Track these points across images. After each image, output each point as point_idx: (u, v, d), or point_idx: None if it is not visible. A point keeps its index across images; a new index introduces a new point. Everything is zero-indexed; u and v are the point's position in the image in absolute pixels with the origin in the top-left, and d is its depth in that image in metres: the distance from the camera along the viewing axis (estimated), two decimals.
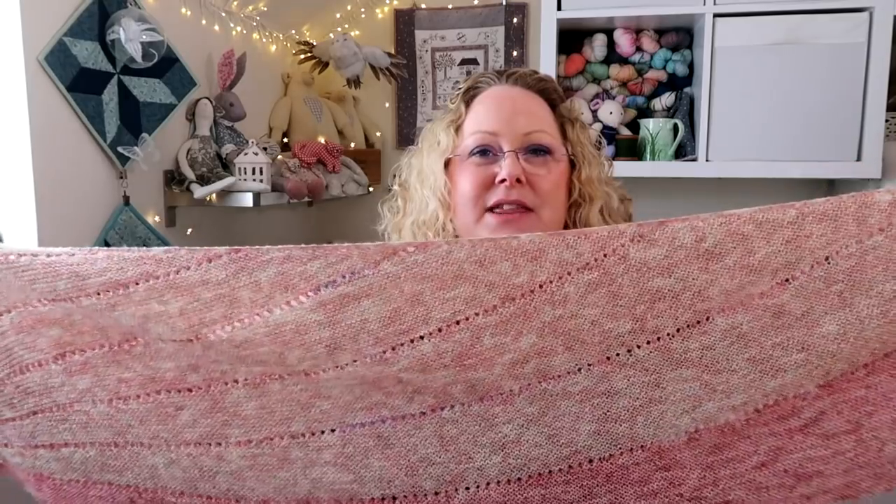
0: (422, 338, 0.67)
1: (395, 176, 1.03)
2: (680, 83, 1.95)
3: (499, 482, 0.74)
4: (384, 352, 0.67)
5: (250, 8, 1.91)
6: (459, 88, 0.97)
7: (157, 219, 1.55)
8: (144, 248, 0.72)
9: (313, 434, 0.74)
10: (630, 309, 0.67)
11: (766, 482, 0.72)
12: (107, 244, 1.37)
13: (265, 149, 1.67)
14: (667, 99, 1.93)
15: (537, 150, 0.90)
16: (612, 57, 1.97)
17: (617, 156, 1.92)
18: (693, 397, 0.70)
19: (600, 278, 0.66)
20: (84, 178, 1.33)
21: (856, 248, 0.67)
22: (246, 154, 1.59)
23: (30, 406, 0.79)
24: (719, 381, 0.69)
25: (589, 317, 0.67)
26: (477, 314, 0.67)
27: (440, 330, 0.67)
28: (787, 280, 0.67)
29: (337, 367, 0.69)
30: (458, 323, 0.67)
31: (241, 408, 0.74)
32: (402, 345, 0.67)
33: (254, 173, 1.58)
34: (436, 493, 0.75)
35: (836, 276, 0.67)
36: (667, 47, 1.94)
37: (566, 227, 0.92)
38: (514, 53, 2.19)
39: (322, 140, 1.98)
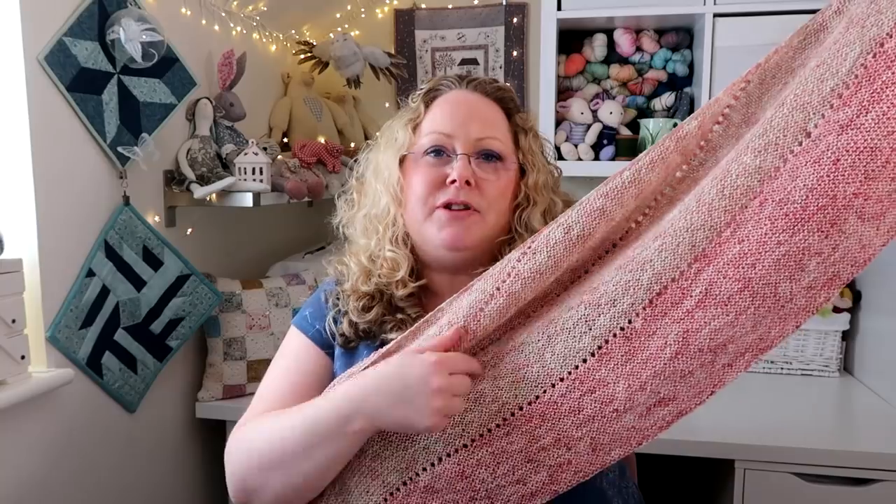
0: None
1: (352, 170, 1.05)
2: (680, 83, 1.95)
3: (448, 454, 0.81)
4: None
5: (250, 8, 1.91)
6: (421, 89, 1.01)
7: (156, 219, 1.55)
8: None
9: None
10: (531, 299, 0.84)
11: (687, 367, 0.75)
12: (106, 244, 1.37)
13: (265, 149, 1.67)
14: (667, 99, 1.93)
15: (489, 156, 0.94)
16: (612, 57, 1.97)
17: (617, 156, 1.92)
18: (584, 318, 0.79)
19: (507, 300, 0.81)
20: (84, 178, 1.33)
21: (687, 169, 0.82)
22: (246, 154, 1.59)
23: None
24: (598, 295, 0.78)
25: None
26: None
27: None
28: (638, 220, 0.84)
29: None
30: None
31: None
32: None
33: (254, 173, 1.58)
34: (404, 484, 0.82)
35: (679, 195, 0.81)
36: (667, 47, 1.94)
37: (511, 228, 0.96)
38: (514, 53, 2.19)
39: (322, 140, 1.98)
